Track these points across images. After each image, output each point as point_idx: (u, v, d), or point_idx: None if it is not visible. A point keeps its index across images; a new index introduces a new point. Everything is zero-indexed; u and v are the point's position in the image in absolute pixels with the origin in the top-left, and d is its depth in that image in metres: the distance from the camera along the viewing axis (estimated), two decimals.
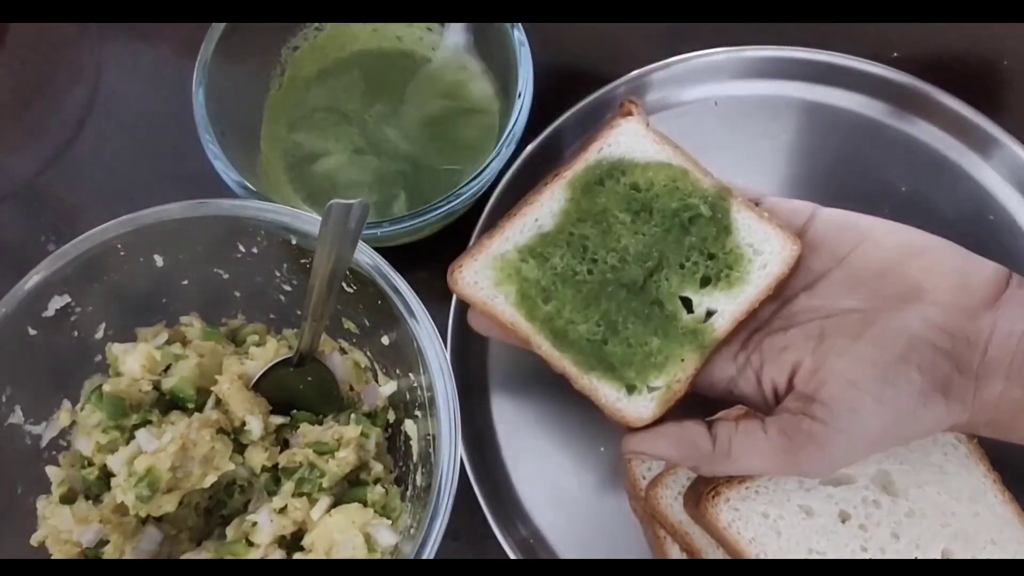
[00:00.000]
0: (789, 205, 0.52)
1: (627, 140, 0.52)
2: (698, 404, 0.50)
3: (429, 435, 0.49)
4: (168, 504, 0.49)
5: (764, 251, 0.50)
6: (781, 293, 0.50)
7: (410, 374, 0.52)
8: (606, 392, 0.50)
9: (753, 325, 0.50)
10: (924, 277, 0.47)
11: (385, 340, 0.53)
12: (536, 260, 0.50)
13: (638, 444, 0.49)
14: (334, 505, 0.51)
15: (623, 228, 0.51)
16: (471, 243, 0.56)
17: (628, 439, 0.49)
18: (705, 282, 0.51)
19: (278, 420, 0.53)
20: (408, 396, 0.53)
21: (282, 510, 0.50)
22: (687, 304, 0.50)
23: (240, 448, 0.53)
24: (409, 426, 0.53)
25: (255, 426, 0.52)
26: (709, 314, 0.50)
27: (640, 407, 0.49)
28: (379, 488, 0.52)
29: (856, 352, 0.46)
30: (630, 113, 0.53)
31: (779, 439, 0.46)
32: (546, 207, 0.51)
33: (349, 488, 0.52)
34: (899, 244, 0.49)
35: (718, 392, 0.50)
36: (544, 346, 0.50)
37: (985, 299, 0.46)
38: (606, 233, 0.51)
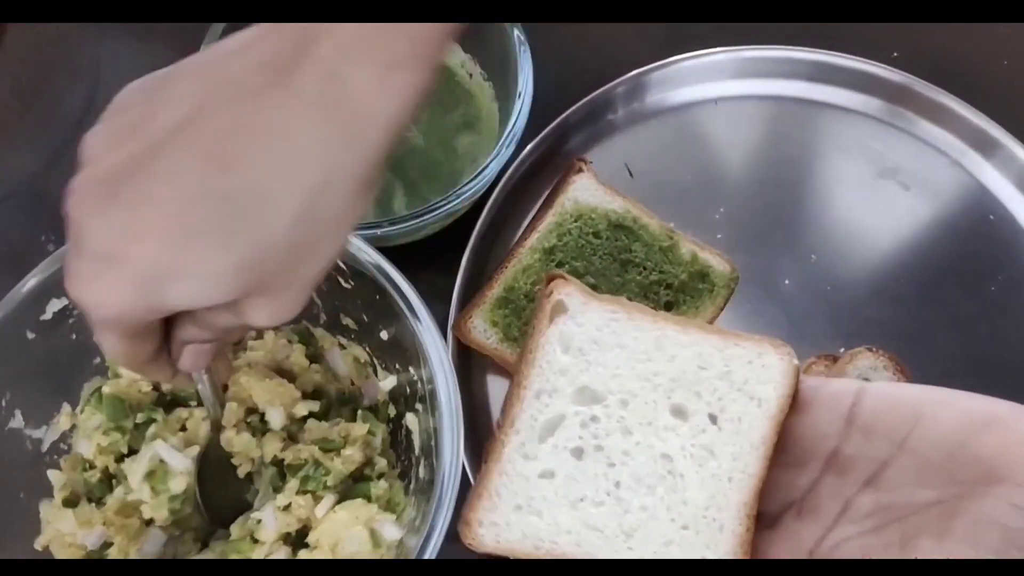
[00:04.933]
0: (830, 387, 0.47)
1: (582, 195, 0.62)
2: None
3: (431, 428, 0.49)
4: (187, 505, 0.50)
5: (710, 276, 0.62)
6: (794, 445, 0.47)
7: (410, 368, 0.52)
8: None
9: (789, 497, 0.47)
10: (998, 454, 0.41)
11: (384, 335, 0.53)
12: (532, 304, 0.58)
13: None
14: (339, 501, 0.50)
15: (594, 268, 0.61)
16: (477, 294, 0.61)
17: None
18: (668, 307, 0.61)
19: (304, 410, 0.53)
20: (408, 390, 0.53)
21: (286, 508, 0.50)
22: None
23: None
24: (410, 420, 0.53)
25: (275, 417, 0.52)
26: None
27: None
28: (382, 483, 0.52)
29: (946, 554, 0.41)
30: (581, 171, 0.62)
31: None
32: (528, 259, 0.61)
33: (353, 484, 0.52)
34: (960, 416, 0.43)
35: None
36: None
37: None
38: (582, 276, 0.61)
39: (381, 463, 0.53)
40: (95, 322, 0.37)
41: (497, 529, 0.46)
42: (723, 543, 0.45)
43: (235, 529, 0.50)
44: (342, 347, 0.57)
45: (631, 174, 0.66)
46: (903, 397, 0.45)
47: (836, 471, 0.46)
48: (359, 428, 0.52)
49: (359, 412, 0.54)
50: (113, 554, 0.49)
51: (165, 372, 0.42)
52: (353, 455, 0.51)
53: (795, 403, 0.47)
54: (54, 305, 0.50)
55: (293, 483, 0.50)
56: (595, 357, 0.48)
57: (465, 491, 0.46)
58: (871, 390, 0.46)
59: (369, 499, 0.51)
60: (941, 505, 0.42)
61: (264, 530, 0.49)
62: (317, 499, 0.50)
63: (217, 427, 0.51)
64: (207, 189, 0.33)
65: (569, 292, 0.48)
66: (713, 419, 0.47)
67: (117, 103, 0.37)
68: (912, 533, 0.42)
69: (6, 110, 0.71)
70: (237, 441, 0.51)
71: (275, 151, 0.33)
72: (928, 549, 0.41)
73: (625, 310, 0.48)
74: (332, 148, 0.34)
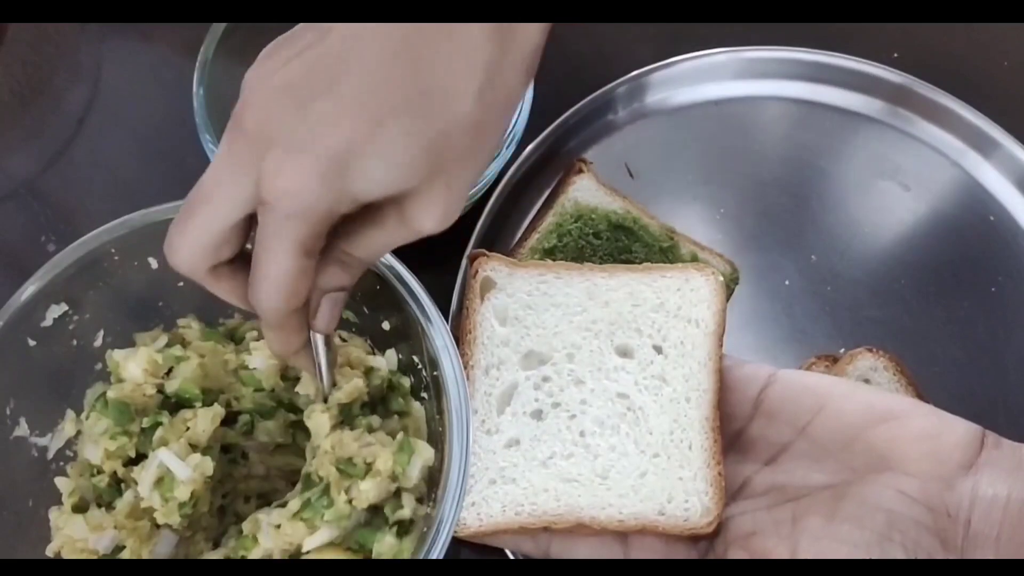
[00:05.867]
0: (743, 371, 0.49)
1: (582, 195, 0.62)
2: None
3: (436, 416, 0.49)
4: (203, 504, 0.49)
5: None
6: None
7: (413, 356, 0.51)
8: None
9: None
10: (891, 446, 0.44)
11: (385, 326, 0.53)
12: None
13: None
14: (337, 537, 0.47)
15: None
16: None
17: None
18: None
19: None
20: (413, 379, 0.53)
21: (279, 527, 0.47)
22: None
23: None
24: (416, 408, 0.53)
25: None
26: None
27: None
28: (389, 539, 0.47)
29: (833, 532, 0.43)
30: (581, 171, 0.62)
31: None
32: (528, 260, 0.59)
33: (367, 518, 0.48)
34: (861, 409, 0.46)
35: None
36: None
37: (961, 464, 0.43)
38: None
39: (408, 504, 0.47)
40: (279, 221, 0.37)
41: (476, 508, 0.47)
42: (695, 460, 0.47)
43: (247, 525, 0.50)
44: (343, 340, 0.57)
45: (631, 174, 0.66)
46: (809, 387, 0.48)
47: (739, 450, 0.48)
48: (385, 460, 0.46)
49: (400, 440, 0.48)
50: (125, 557, 0.49)
51: (303, 335, 0.43)
52: (367, 492, 0.45)
53: None
54: (54, 311, 0.50)
55: (294, 503, 0.47)
56: (532, 321, 0.50)
57: None
58: (781, 377, 0.48)
59: (369, 554, 0.46)
60: (833, 488, 0.45)
61: (263, 535, 0.49)
62: (312, 528, 0.46)
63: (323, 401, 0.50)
64: (395, 79, 0.35)
65: (494, 267, 0.50)
66: (658, 349, 0.49)
67: (271, 47, 0.39)
68: (803, 512, 0.45)
69: (6, 110, 0.71)
70: (347, 438, 0.47)
71: (453, 40, 0.36)
72: (817, 527, 0.43)
73: (551, 271, 0.51)
74: (502, 34, 0.37)
